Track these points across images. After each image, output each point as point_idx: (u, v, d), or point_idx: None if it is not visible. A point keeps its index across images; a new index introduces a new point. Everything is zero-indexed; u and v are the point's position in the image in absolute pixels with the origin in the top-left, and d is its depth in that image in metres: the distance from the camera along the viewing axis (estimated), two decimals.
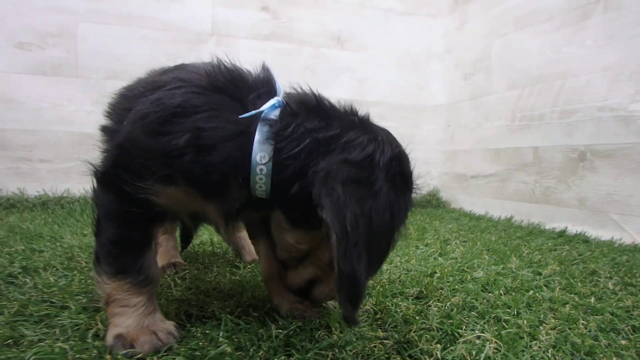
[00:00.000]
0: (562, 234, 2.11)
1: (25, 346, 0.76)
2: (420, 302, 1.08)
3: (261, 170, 0.78)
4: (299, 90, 0.86)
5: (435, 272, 1.32)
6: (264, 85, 0.85)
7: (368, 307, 1.02)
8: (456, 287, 1.20)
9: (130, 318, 0.80)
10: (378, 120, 3.28)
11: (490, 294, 1.14)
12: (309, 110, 0.80)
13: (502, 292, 1.16)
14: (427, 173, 3.34)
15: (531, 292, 1.17)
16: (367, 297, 1.09)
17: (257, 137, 0.77)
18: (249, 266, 1.38)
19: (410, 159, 0.87)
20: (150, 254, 0.85)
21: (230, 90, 0.82)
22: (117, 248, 0.82)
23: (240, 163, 0.78)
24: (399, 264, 1.44)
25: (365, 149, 0.75)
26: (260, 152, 0.77)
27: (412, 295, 1.13)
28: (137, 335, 0.78)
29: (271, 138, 0.77)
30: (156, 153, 0.77)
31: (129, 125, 0.81)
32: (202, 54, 2.86)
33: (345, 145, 0.75)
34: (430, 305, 1.05)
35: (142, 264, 0.82)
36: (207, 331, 0.84)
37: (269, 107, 0.79)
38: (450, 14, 3.27)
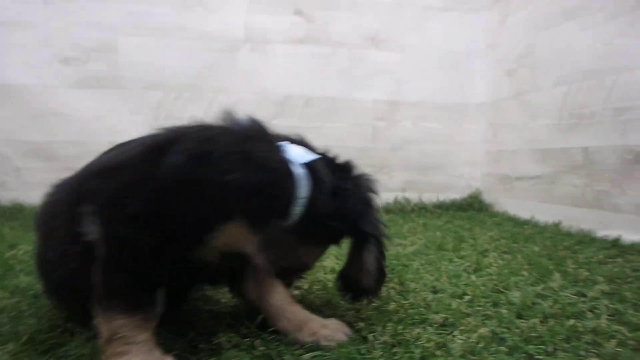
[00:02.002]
0: (615, 243, 1.94)
1: None
2: (444, 331, 1.01)
3: (299, 203, 0.90)
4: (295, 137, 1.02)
5: (466, 294, 1.24)
6: (272, 133, 0.98)
7: (386, 339, 0.97)
8: (488, 312, 1.12)
9: (136, 357, 0.77)
10: (416, 121, 3.22)
11: (524, 323, 1.05)
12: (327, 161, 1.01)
13: (539, 320, 1.07)
14: (469, 174, 3.20)
15: (572, 320, 1.06)
16: (385, 326, 1.03)
17: (297, 174, 0.90)
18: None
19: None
20: (162, 289, 0.84)
21: (265, 136, 0.95)
22: (136, 284, 0.80)
23: (291, 198, 0.89)
24: (427, 282, 1.37)
25: (370, 188, 1.06)
26: (303, 188, 0.90)
27: (436, 323, 1.06)
28: None
29: (308, 176, 0.92)
30: (224, 191, 0.81)
31: (182, 162, 0.80)
32: (237, 62, 2.89)
33: (362, 190, 1.03)
34: (454, 336, 0.98)
35: (155, 301, 0.81)
36: None
37: (301, 154, 0.95)
38: (492, 8, 3.10)
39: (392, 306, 1.16)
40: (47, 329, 0.99)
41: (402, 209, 3.01)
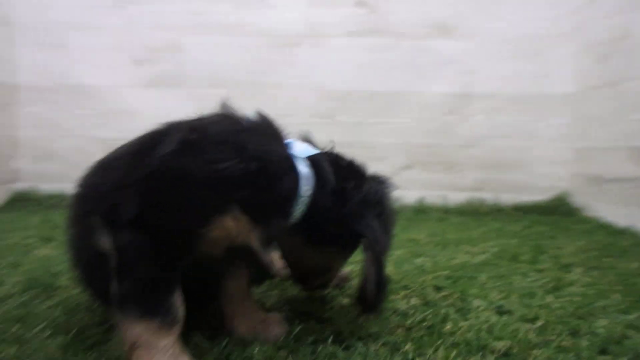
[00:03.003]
0: None
1: None
2: None
3: (303, 201, 0.89)
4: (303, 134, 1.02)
5: (539, 318, 1.05)
6: (279, 129, 0.96)
7: None
8: (563, 343, 0.93)
9: None
10: (491, 114, 2.95)
11: None
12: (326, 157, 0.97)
13: (627, 359, 0.86)
14: (553, 174, 2.88)
15: None
16: (436, 351, 0.88)
17: (302, 172, 0.89)
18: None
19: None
20: (179, 292, 0.80)
21: (267, 130, 0.93)
22: (145, 288, 0.78)
23: (293, 195, 0.88)
24: (494, 300, 1.19)
25: (378, 191, 0.97)
26: (306, 186, 0.89)
27: (498, 352, 0.89)
28: None
29: (312, 174, 0.91)
30: (214, 181, 0.79)
31: (170, 154, 0.80)
32: (297, 57, 2.82)
33: (367, 192, 0.94)
34: None
35: (171, 303, 0.78)
36: None
37: (305, 150, 0.94)
38: None
39: (447, 327, 1.01)
40: (97, 323, 0.99)
41: (475, 211, 2.77)
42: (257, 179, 0.82)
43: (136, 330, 0.76)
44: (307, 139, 1.01)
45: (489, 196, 2.87)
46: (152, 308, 0.77)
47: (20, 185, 2.85)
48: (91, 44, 2.85)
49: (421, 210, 2.72)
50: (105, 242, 0.79)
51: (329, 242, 0.99)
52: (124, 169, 0.85)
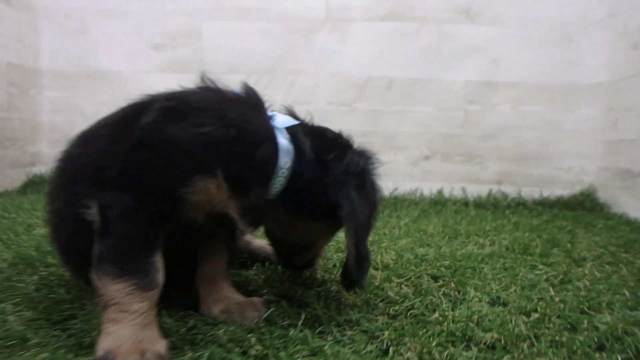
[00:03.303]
0: None
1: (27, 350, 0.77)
2: (491, 356, 0.79)
3: (282, 173, 0.89)
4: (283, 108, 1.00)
5: (536, 311, 0.98)
6: (264, 102, 0.96)
7: (410, 355, 0.77)
8: (557, 337, 0.86)
9: (126, 328, 0.74)
10: (515, 104, 2.83)
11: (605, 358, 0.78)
12: (308, 129, 0.97)
13: (624, 357, 0.79)
14: (579, 167, 2.74)
15: None
16: (414, 340, 0.83)
17: (281, 143, 0.89)
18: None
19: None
20: (158, 256, 0.80)
21: (250, 101, 0.93)
22: (125, 247, 0.78)
23: (271, 165, 0.88)
24: (491, 291, 1.12)
25: (359, 163, 0.94)
26: (285, 157, 0.89)
27: (483, 344, 0.84)
28: (126, 353, 0.72)
29: (292, 147, 0.90)
30: (196, 145, 0.81)
31: (153, 120, 0.82)
32: (316, 43, 2.77)
33: (348, 164, 0.93)
34: None
35: (149, 265, 0.79)
36: None
37: (285, 120, 0.94)
38: None
39: (434, 316, 0.96)
40: (70, 300, 0.98)
41: (495, 204, 2.66)
42: (235, 145, 0.83)
43: (111, 289, 0.76)
44: (291, 112, 1.00)
45: (510, 190, 2.76)
46: (130, 267, 0.77)
47: (38, 169, 2.91)
48: (112, 30, 2.88)
49: (438, 202, 2.64)
50: (89, 207, 0.80)
51: (312, 215, 0.97)
52: (108, 137, 0.88)
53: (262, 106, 0.95)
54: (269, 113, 0.95)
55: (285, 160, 0.89)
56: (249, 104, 0.92)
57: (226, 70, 2.82)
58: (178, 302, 0.98)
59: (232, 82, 0.99)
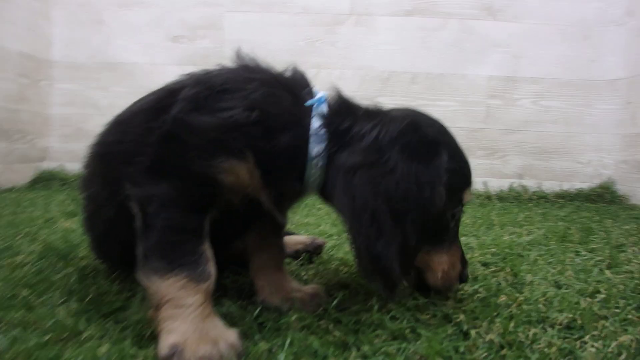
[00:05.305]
0: None
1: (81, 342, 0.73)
2: (570, 335, 0.82)
3: (317, 164, 0.82)
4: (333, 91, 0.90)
5: (599, 292, 1.01)
6: (307, 83, 0.89)
7: (492, 337, 0.80)
8: (629, 316, 0.89)
9: (185, 322, 0.70)
10: (536, 99, 2.85)
11: None
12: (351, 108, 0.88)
13: None
14: (598, 161, 2.78)
15: None
16: (492, 322, 0.86)
17: (313, 130, 0.82)
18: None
19: (432, 123, 0.96)
20: (207, 245, 0.78)
21: (284, 81, 0.87)
22: (171, 239, 0.76)
23: (299, 153, 0.82)
24: (548, 275, 1.15)
25: (371, 132, 0.80)
26: (317, 146, 0.82)
27: (559, 324, 0.86)
28: (196, 344, 0.67)
29: (326, 133, 0.82)
30: (221, 130, 0.78)
31: (179, 111, 0.80)
32: (340, 36, 2.79)
33: (352, 139, 0.82)
34: (585, 343, 0.78)
35: (199, 256, 0.76)
36: (272, 348, 0.72)
37: (318, 100, 0.84)
38: None
39: (502, 299, 0.98)
40: (116, 291, 0.96)
41: (517, 197, 2.71)
42: (257, 129, 0.79)
43: (162, 286, 0.72)
44: (340, 97, 0.91)
45: (531, 183, 2.80)
46: (179, 260, 0.74)
47: (47, 165, 2.85)
48: (128, 20, 2.83)
49: None
50: (129, 198, 0.79)
51: None
52: (141, 126, 0.86)
53: (299, 87, 0.87)
54: (315, 97, 0.86)
55: (317, 149, 0.81)
56: (281, 84, 0.86)
57: None
58: (231, 293, 0.97)
59: None
